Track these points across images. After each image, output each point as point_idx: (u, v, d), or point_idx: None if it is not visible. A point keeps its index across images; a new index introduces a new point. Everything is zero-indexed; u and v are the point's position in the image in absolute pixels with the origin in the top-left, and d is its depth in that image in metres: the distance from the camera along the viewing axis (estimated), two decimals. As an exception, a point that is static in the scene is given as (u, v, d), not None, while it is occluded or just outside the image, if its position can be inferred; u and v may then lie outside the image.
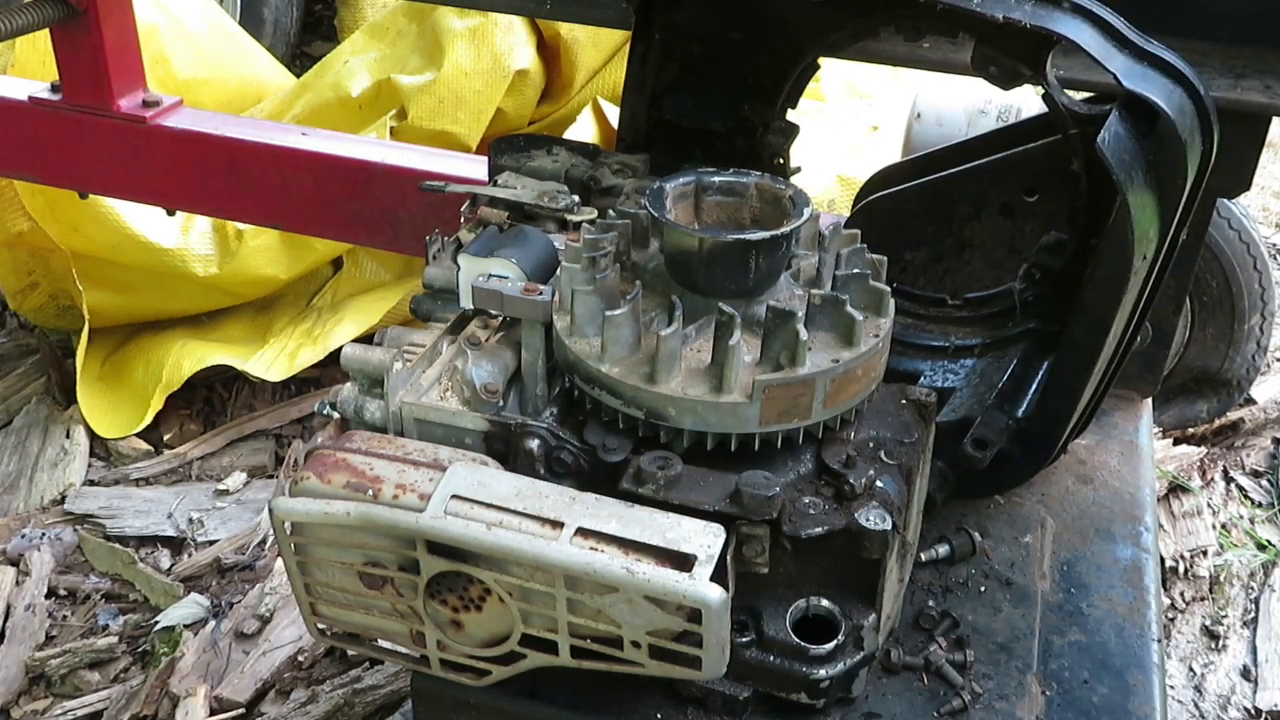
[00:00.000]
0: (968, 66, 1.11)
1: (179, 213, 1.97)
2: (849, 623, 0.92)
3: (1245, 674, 1.90)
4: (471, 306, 1.01)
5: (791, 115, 1.32)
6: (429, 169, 1.71)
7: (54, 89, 1.79)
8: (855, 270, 0.95)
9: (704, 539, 0.83)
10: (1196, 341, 2.04)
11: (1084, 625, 1.10)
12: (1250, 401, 2.35)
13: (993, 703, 1.01)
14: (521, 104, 2.56)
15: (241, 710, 1.70)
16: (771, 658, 0.91)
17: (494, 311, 1.00)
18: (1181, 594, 2.02)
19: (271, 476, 2.20)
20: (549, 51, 2.59)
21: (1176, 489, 2.19)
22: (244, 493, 2.14)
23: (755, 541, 0.88)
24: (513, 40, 2.50)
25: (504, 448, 0.93)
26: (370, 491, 0.87)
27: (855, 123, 2.72)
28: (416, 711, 1.03)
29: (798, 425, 0.90)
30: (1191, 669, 1.90)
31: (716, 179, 1.01)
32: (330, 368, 2.31)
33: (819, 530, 0.88)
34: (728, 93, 1.30)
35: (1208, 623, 1.98)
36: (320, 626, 0.97)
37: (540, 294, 0.95)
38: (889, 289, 0.95)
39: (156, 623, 1.85)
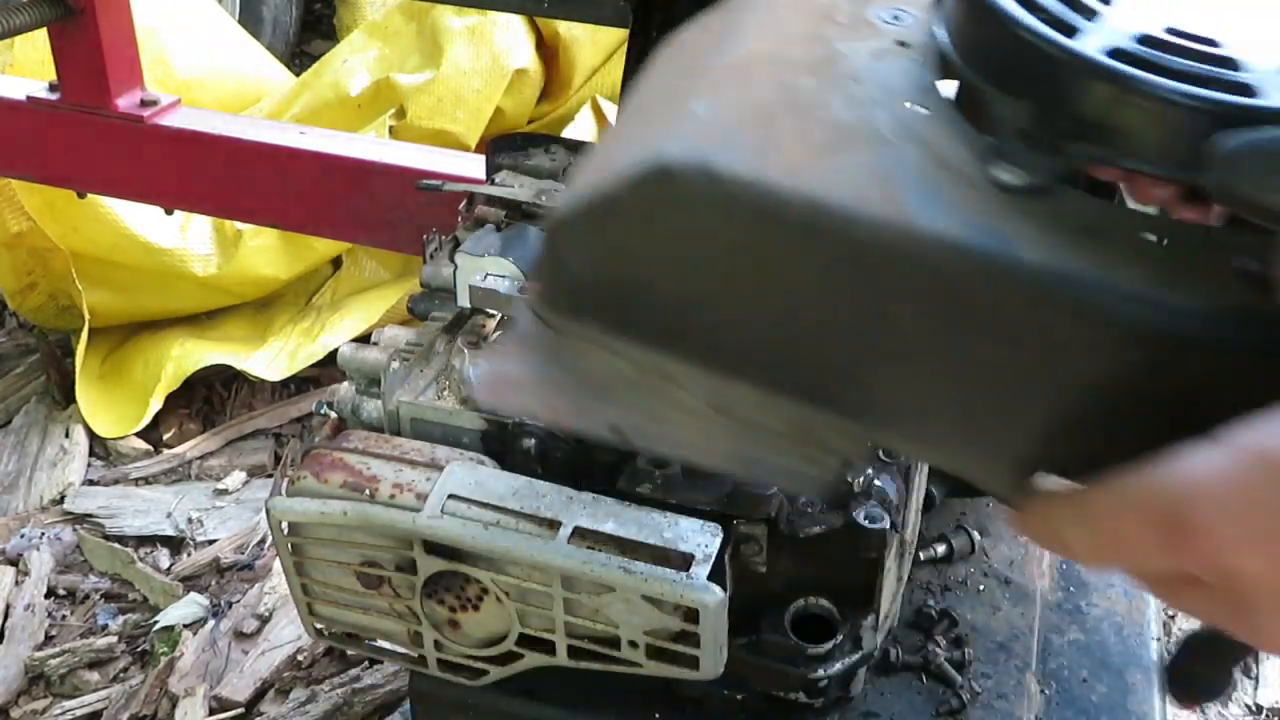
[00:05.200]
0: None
1: (177, 212, 1.96)
2: (847, 622, 0.92)
3: (1245, 670, 1.89)
4: (469, 305, 1.01)
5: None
6: (427, 168, 1.71)
7: (52, 88, 1.79)
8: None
9: (701, 538, 0.83)
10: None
11: (1083, 624, 1.10)
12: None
13: (991, 701, 1.01)
14: (520, 103, 2.56)
15: (241, 710, 1.70)
16: (769, 657, 0.91)
17: (492, 310, 1.00)
18: (1182, 592, 2.02)
19: (270, 476, 2.20)
20: (548, 50, 2.59)
21: (1177, 487, 2.19)
22: (243, 492, 2.14)
23: (753, 541, 0.88)
24: (511, 39, 2.50)
25: (501, 447, 0.93)
26: (367, 491, 0.87)
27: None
28: (414, 711, 1.03)
29: (795, 424, 0.89)
30: (1192, 667, 1.90)
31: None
32: (330, 367, 2.31)
33: (817, 529, 0.88)
34: (726, 91, 1.29)
35: (1208, 620, 1.98)
36: (318, 626, 0.97)
37: (537, 293, 0.95)
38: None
39: (156, 622, 1.85)
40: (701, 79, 0.58)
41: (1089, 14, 0.52)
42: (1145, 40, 0.50)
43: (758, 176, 0.51)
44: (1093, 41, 0.50)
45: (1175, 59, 0.49)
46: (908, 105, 0.55)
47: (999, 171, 0.51)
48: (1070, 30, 0.51)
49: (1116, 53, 0.49)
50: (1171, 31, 0.51)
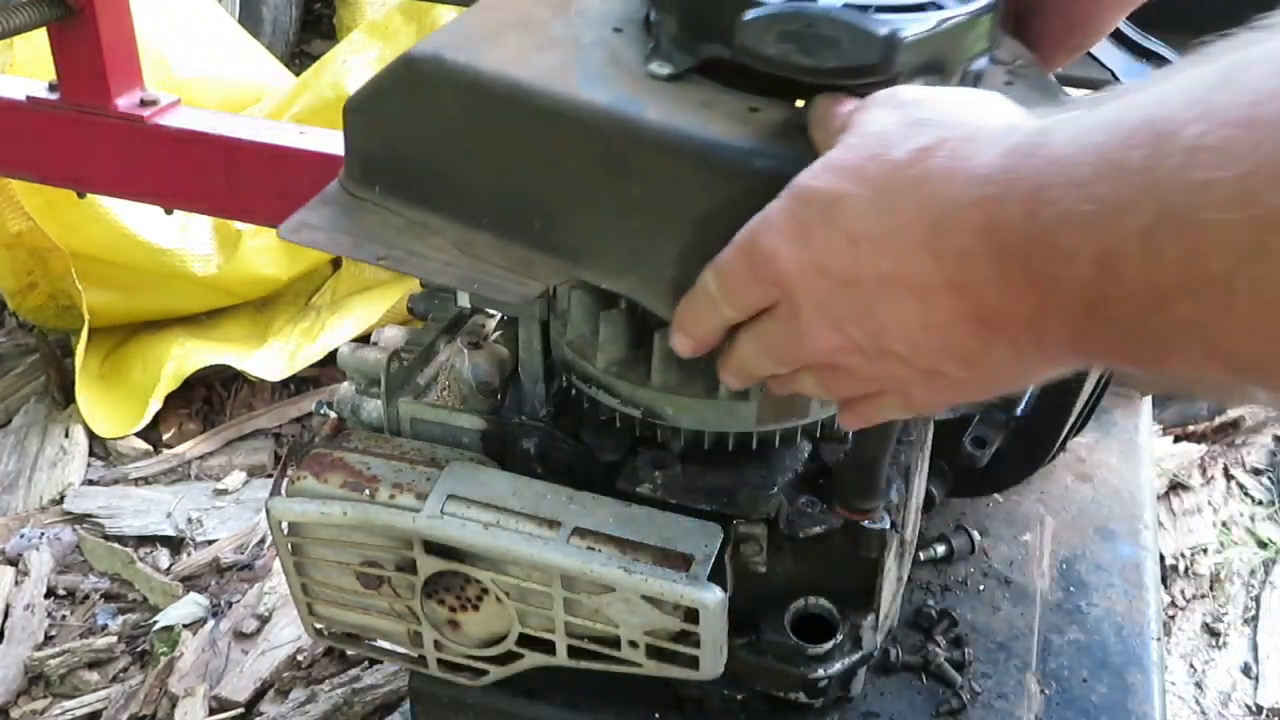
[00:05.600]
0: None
1: (177, 212, 1.96)
2: (847, 622, 0.92)
3: (1246, 671, 1.89)
4: (469, 305, 1.00)
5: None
6: (427, 168, 1.70)
7: (52, 88, 1.78)
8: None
9: (701, 538, 0.83)
10: (1196, 339, 2.04)
11: (1083, 624, 1.10)
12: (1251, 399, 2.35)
13: (991, 701, 1.01)
14: (520, 102, 2.55)
15: (240, 710, 1.70)
16: (769, 657, 0.91)
17: (491, 310, 1.00)
18: (1182, 591, 2.02)
19: (270, 476, 2.20)
20: (548, 50, 2.58)
21: (1176, 486, 2.19)
22: (243, 492, 2.14)
23: (753, 541, 0.88)
24: (511, 39, 2.50)
25: (501, 447, 0.93)
26: (367, 491, 0.87)
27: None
28: (414, 711, 1.03)
29: (795, 424, 0.89)
30: (1192, 666, 1.90)
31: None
32: (329, 367, 2.31)
33: (816, 529, 0.88)
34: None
35: (1208, 620, 1.98)
36: (317, 626, 0.97)
37: (537, 293, 0.95)
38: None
39: (155, 622, 1.85)
40: (473, 11, 0.80)
41: None
42: None
43: (474, 64, 0.73)
44: None
45: None
46: (611, 28, 0.76)
47: (653, 65, 0.72)
48: None
49: None
50: None
